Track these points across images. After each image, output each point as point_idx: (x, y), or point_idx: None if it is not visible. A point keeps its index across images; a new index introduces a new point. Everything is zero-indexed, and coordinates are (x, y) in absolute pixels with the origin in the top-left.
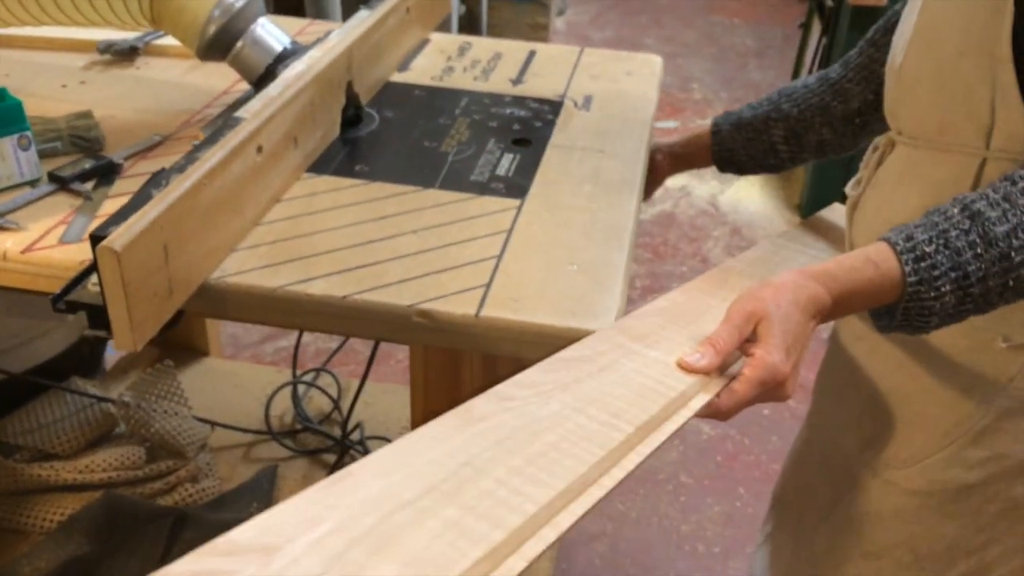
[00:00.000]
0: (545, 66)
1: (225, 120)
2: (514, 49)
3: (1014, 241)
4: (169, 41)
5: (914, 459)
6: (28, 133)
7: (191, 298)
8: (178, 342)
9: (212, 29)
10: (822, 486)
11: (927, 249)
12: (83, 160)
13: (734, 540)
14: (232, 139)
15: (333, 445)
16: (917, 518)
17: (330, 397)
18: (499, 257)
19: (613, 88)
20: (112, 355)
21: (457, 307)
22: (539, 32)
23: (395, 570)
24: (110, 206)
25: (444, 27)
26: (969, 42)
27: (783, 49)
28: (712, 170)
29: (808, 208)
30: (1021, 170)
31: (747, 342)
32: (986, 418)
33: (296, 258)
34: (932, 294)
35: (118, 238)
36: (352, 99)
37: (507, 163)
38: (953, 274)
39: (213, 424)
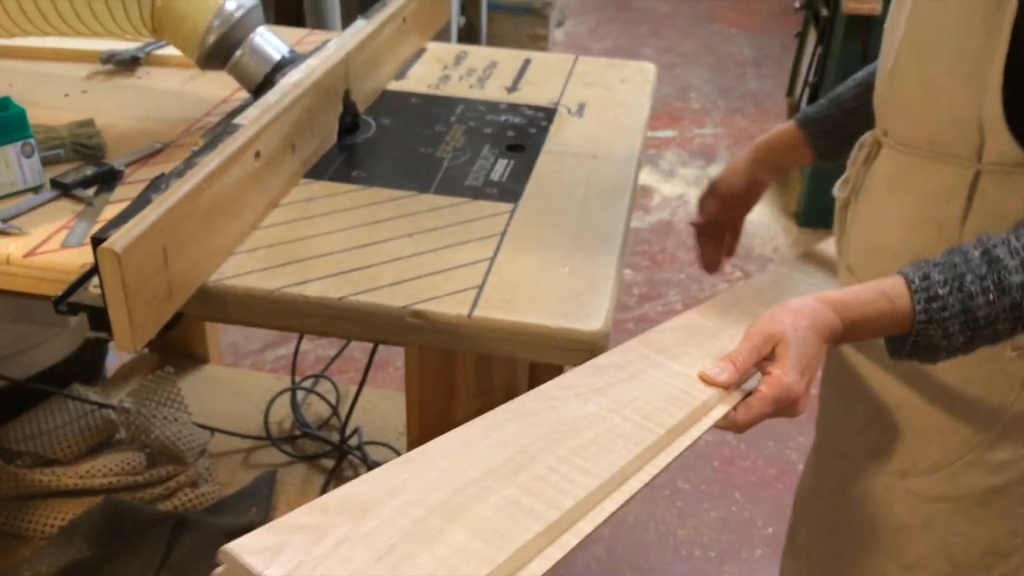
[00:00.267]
0: (540, 74)
1: (224, 127)
2: (510, 58)
3: None
4: (170, 51)
5: (935, 467)
6: (31, 141)
7: (190, 300)
8: (178, 349)
9: (212, 39)
10: (840, 498)
11: (940, 291)
12: (85, 167)
13: (730, 545)
14: (230, 145)
15: (331, 450)
16: (948, 525)
17: (328, 403)
18: (492, 259)
19: (607, 95)
20: (113, 362)
21: (450, 308)
22: (538, 43)
23: (467, 536)
24: (111, 211)
25: (444, 37)
26: (961, 64)
27: (780, 58)
28: (709, 176)
29: (805, 215)
30: None
31: (764, 360)
32: (1003, 425)
33: (293, 261)
34: (940, 332)
35: (118, 240)
36: (349, 107)
37: (501, 168)
38: (963, 316)
39: (213, 430)
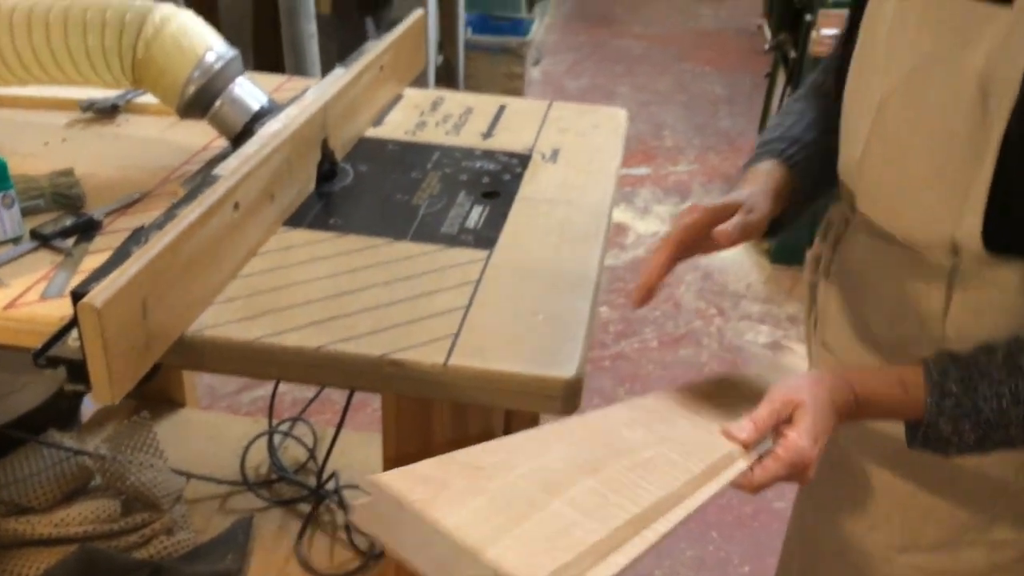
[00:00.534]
0: (514, 120)
1: (203, 178)
2: (485, 103)
3: None
4: (149, 99)
5: (936, 545)
6: (11, 192)
7: (168, 351)
8: (154, 393)
9: (192, 89)
10: (839, 557)
11: (955, 388)
12: (64, 217)
13: None
14: (210, 196)
15: (308, 495)
16: None
17: (305, 447)
18: (467, 307)
19: (580, 141)
20: (89, 407)
21: (426, 356)
22: (515, 82)
23: (569, 509)
24: (90, 262)
25: (421, 77)
26: (940, 178)
27: (752, 96)
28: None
29: (777, 253)
30: None
31: (781, 424)
32: (1001, 506)
33: (271, 310)
34: (950, 428)
35: (98, 295)
36: (327, 155)
37: (476, 215)
38: (974, 417)
39: (189, 476)
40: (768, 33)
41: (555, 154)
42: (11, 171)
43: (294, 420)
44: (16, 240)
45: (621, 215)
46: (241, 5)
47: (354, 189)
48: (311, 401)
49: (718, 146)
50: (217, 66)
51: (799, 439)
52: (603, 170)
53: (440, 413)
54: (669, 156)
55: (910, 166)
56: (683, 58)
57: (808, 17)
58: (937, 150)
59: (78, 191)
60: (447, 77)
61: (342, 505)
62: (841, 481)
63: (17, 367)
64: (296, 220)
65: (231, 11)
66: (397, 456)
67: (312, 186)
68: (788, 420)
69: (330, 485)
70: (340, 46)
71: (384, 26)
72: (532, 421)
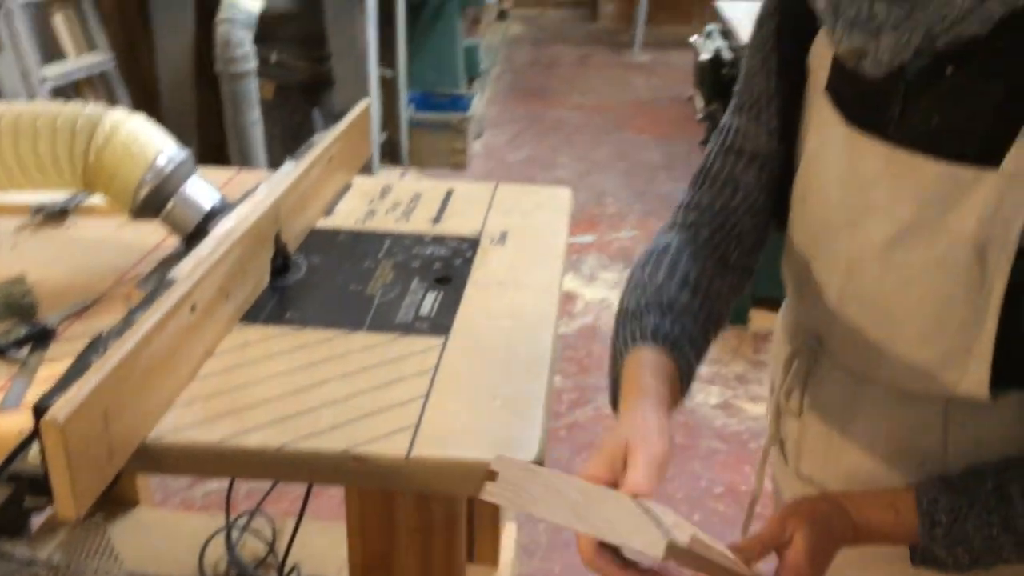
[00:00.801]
0: (462, 204)
1: (159, 281)
2: (433, 189)
3: None
4: (99, 200)
5: None
6: None
7: (130, 460)
8: (108, 495)
9: (144, 192)
10: None
11: (944, 518)
12: (18, 327)
13: None
14: (167, 301)
15: None
16: None
17: (264, 541)
18: (426, 396)
19: (526, 222)
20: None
21: (388, 449)
22: (458, 156)
23: (618, 513)
24: (47, 371)
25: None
26: (941, 340)
27: (689, 161)
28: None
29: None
30: None
31: (781, 545)
32: None
33: (232, 411)
34: (944, 553)
35: (61, 410)
36: (280, 249)
37: (430, 302)
38: (966, 544)
39: None
40: (700, 103)
41: (503, 236)
42: None
43: (251, 513)
44: None
45: (569, 283)
46: (183, 94)
47: (308, 282)
48: (268, 492)
49: (659, 211)
50: (169, 168)
51: (801, 561)
52: (550, 250)
53: (404, 503)
54: (612, 223)
55: (900, 327)
56: (620, 127)
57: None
58: (932, 312)
59: (30, 300)
60: (391, 154)
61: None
62: None
63: None
64: (252, 316)
65: (173, 99)
66: (363, 549)
67: (266, 281)
68: (788, 541)
69: None
70: (283, 130)
71: (327, 109)
72: (495, 506)
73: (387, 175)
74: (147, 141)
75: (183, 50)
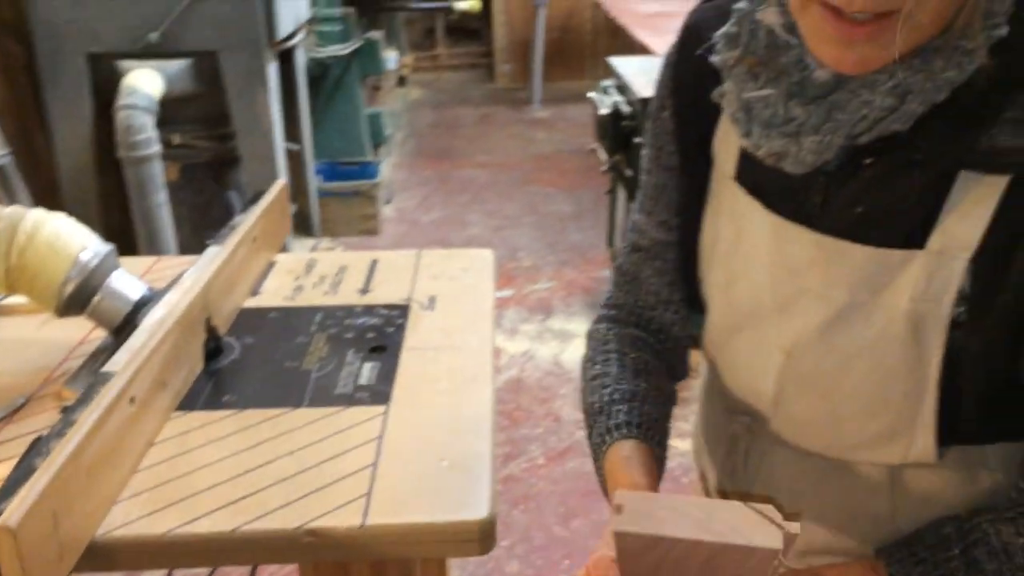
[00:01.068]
0: (388, 273)
1: (90, 377)
2: (357, 259)
3: None
4: (19, 299)
5: None
6: None
7: (81, 558)
8: None
9: (69, 289)
10: None
11: None
12: None
13: None
14: (106, 395)
15: None
16: None
17: None
18: (375, 464)
19: (453, 285)
20: None
21: (342, 520)
22: (370, 222)
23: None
24: None
25: None
26: (885, 413)
27: (596, 211)
28: (550, 330)
29: None
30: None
31: None
32: None
33: (179, 499)
34: None
35: (11, 516)
36: (212, 333)
37: (368, 372)
38: None
39: None
40: (604, 155)
41: (432, 301)
42: None
43: None
44: None
45: None
46: (84, 182)
47: (243, 363)
48: (211, 573)
49: (572, 260)
50: (93, 263)
51: None
52: (479, 311)
53: (360, 572)
54: (528, 276)
55: (843, 404)
56: (527, 181)
57: (636, 140)
58: (874, 388)
59: None
60: (302, 226)
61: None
62: None
63: None
64: (189, 403)
65: (73, 188)
66: None
67: (200, 366)
68: None
69: None
70: (191, 211)
71: (234, 187)
72: (441, 562)
73: (299, 246)
74: (70, 238)
75: (81, 138)
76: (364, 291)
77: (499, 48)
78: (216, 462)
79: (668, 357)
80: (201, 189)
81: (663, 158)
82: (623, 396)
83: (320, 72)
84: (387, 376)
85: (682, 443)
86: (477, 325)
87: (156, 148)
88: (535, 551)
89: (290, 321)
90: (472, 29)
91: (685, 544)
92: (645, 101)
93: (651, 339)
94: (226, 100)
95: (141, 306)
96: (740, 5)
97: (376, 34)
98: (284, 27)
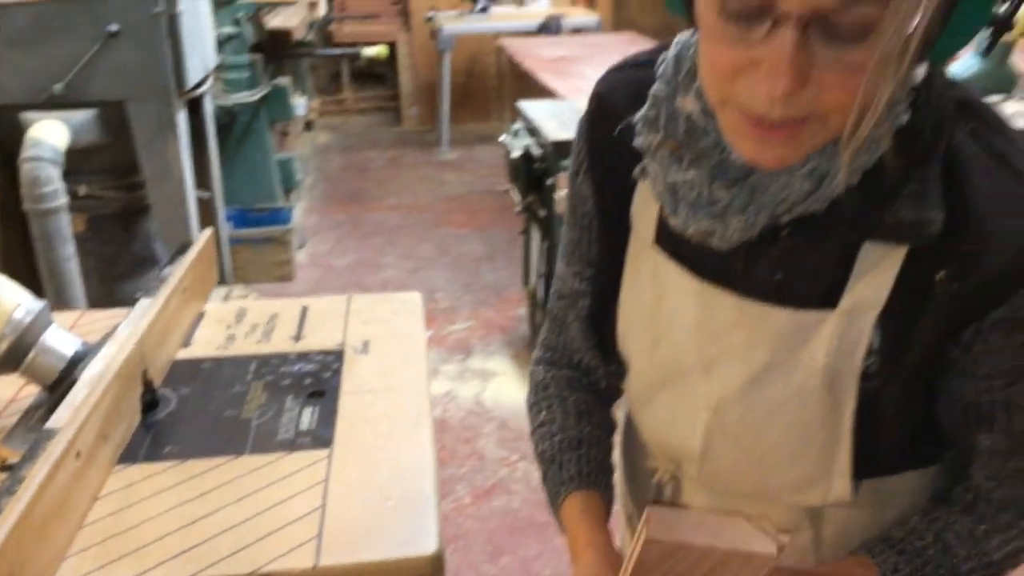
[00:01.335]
0: (319, 319)
1: (39, 433)
2: (288, 307)
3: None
4: None
5: None
6: None
7: None
8: None
9: (4, 346)
10: None
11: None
12: None
13: None
14: (53, 451)
15: None
16: None
17: None
18: (323, 507)
19: (385, 329)
20: None
21: (295, 563)
22: (284, 268)
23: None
24: None
25: None
26: (805, 461)
27: (509, 251)
28: (470, 369)
29: None
30: (984, 504)
31: None
32: None
33: (128, 552)
34: None
35: None
36: (148, 386)
37: (308, 417)
38: None
39: None
40: (517, 197)
41: (366, 346)
42: None
43: None
44: None
45: None
46: None
47: (180, 414)
48: None
49: (488, 300)
50: (27, 320)
51: None
52: (412, 352)
53: None
54: (446, 317)
55: (766, 455)
56: (439, 223)
57: (549, 181)
58: (794, 439)
59: None
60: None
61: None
62: None
63: None
64: (129, 456)
65: None
66: None
67: (138, 418)
68: None
69: None
70: (98, 262)
71: (143, 236)
72: None
73: (212, 295)
74: (2, 295)
75: None
76: (297, 338)
77: (405, 92)
78: (163, 513)
79: (601, 392)
80: (109, 240)
81: (578, 218)
82: (571, 444)
83: (228, 119)
84: (327, 420)
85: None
86: (411, 367)
87: (63, 200)
88: None
89: (225, 370)
90: (378, 74)
91: (700, 550)
92: (556, 144)
93: (584, 379)
94: (134, 149)
95: (76, 362)
96: (656, 89)
97: (284, 80)
98: (193, 75)
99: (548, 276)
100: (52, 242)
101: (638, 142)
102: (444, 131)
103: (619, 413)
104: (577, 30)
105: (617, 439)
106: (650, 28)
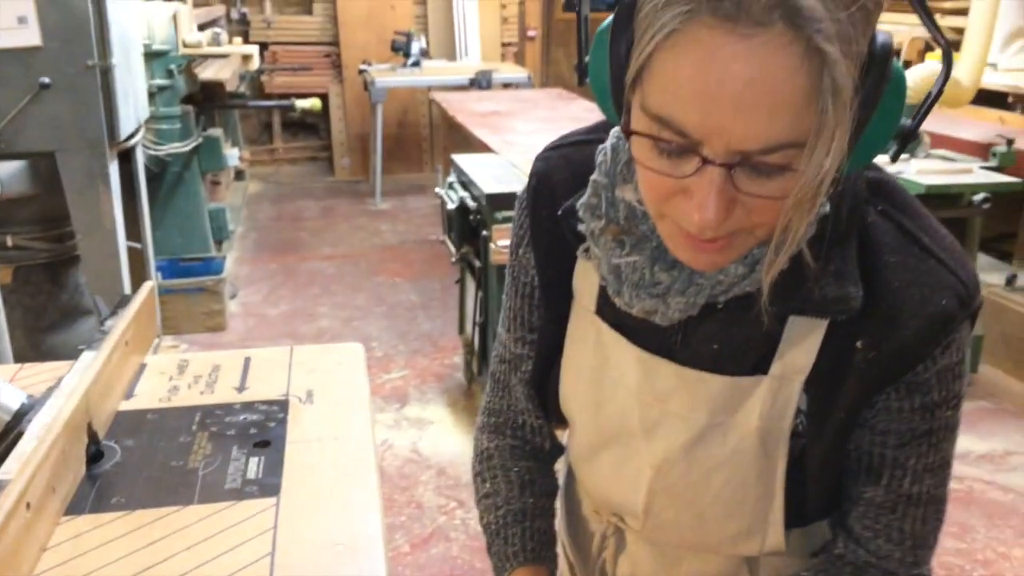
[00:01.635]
0: (263, 369)
1: None
2: (230, 359)
3: None
4: None
5: None
6: None
7: None
8: None
9: None
10: None
11: None
12: None
13: None
14: (4, 502)
15: None
16: None
17: None
18: (272, 554)
19: (329, 379)
20: None
21: None
22: (215, 319)
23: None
24: None
25: None
26: (742, 515)
27: (444, 299)
28: (406, 418)
29: None
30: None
31: None
32: None
33: None
34: None
35: None
36: (93, 437)
37: (255, 466)
38: None
39: None
40: (452, 247)
41: (310, 395)
42: None
43: None
44: None
45: None
46: None
47: (126, 465)
48: None
49: (423, 349)
50: None
51: None
52: (356, 401)
53: None
54: (381, 365)
55: (706, 510)
56: (374, 272)
57: (484, 233)
58: (732, 494)
59: None
60: None
61: None
62: None
63: None
64: (76, 508)
65: None
66: None
67: (83, 470)
68: None
69: None
70: (25, 313)
71: (72, 287)
72: None
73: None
74: None
75: None
76: (241, 388)
77: (338, 142)
78: (112, 562)
79: (545, 455)
80: (36, 292)
81: (520, 286)
82: (515, 517)
83: (160, 169)
84: (274, 469)
85: None
86: (356, 415)
87: None
88: None
89: (169, 422)
90: (310, 124)
91: None
92: (490, 197)
93: (527, 445)
94: (65, 200)
95: (22, 415)
96: (596, 177)
97: (216, 131)
98: (126, 127)
99: (484, 325)
100: None
101: (581, 227)
102: (377, 181)
103: (561, 464)
104: (507, 85)
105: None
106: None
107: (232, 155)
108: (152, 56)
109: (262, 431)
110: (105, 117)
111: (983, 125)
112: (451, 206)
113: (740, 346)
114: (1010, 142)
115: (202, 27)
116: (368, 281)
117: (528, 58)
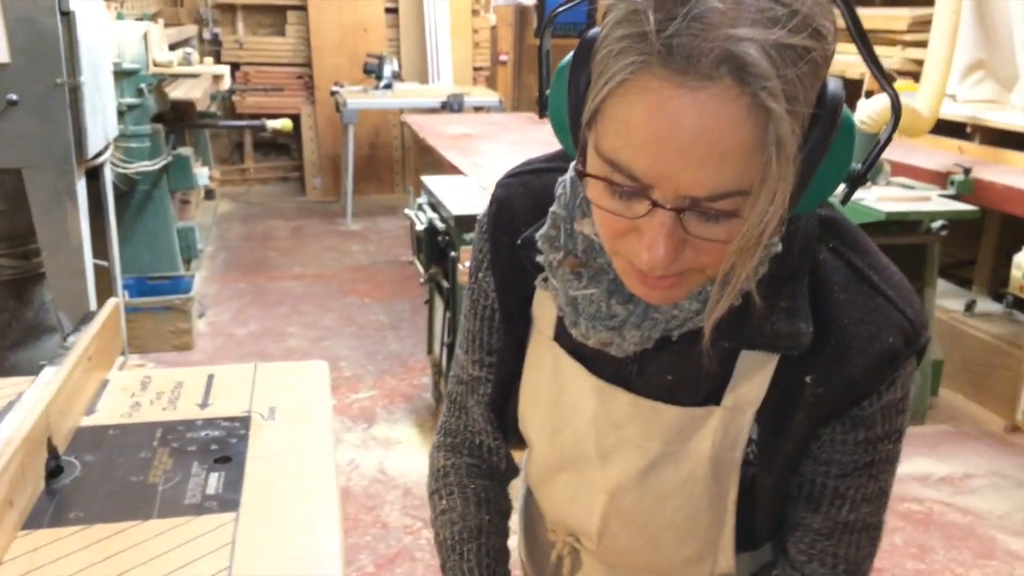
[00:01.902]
0: (226, 386)
1: None
2: (194, 375)
3: None
4: None
5: None
6: None
7: None
8: None
9: None
10: None
11: None
12: None
13: None
14: None
15: None
16: None
17: None
18: (229, 568)
19: (292, 396)
20: None
21: None
22: (183, 337)
23: None
24: None
25: None
26: (694, 540)
27: (414, 320)
28: (374, 438)
29: None
30: None
31: None
32: None
33: None
34: None
35: None
36: (52, 452)
37: (215, 482)
38: None
39: None
40: (421, 268)
41: (272, 412)
42: None
43: None
44: None
45: None
46: None
47: (86, 480)
48: None
49: (392, 369)
50: None
51: None
52: (319, 418)
53: None
54: (350, 385)
55: (659, 535)
56: (344, 293)
57: (453, 254)
58: (684, 520)
59: None
60: None
61: None
62: None
63: None
64: (33, 522)
65: None
66: None
67: (42, 484)
68: None
69: None
70: None
71: (36, 304)
72: None
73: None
74: None
75: None
76: (204, 405)
77: (309, 162)
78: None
79: (501, 474)
80: (1, 309)
81: (480, 309)
82: (471, 534)
83: (128, 187)
84: (234, 485)
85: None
86: (318, 432)
87: None
88: None
89: (130, 437)
90: (281, 144)
91: None
92: (459, 219)
93: (483, 464)
94: (31, 217)
95: None
96: (555, 209)
97: (187, 150)
98: (94, 145)
99: (452, 345)
100: None
101: (540, 258)
102: (348, 202)
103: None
104: (479, 108)
105: (517, 504)
106: None
107: (202, 174)
108: (122, 75)
109: (223, 447)
110: (73, 135)
111: (942, 154)
112: (420, 227)
113: (693, 378)
114: (967, 171)
115: (173, 47)
116: (338, 301)
117: (500, 82)
